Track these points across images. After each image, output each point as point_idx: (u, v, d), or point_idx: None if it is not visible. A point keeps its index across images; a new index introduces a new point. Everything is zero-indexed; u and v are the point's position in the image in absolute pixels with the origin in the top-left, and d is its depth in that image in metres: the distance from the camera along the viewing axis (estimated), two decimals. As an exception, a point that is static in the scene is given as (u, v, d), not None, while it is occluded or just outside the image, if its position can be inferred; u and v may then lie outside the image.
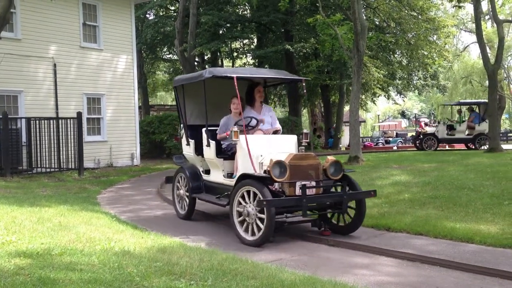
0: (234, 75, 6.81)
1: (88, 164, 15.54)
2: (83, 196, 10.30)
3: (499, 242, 5.77)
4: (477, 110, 22.49)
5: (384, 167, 12.80)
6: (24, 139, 13.93)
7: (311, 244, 6.32)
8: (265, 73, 7.91)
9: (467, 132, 21.87)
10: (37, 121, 14.08)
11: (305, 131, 6.51)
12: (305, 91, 8.16)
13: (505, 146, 21.09)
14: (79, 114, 14.13)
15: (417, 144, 23.08)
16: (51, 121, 14.31)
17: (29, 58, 15.18)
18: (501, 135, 29.33)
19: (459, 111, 23.24)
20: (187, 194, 7.84)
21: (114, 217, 7.75)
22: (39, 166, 13.97)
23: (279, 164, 6.07)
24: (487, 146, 21.04)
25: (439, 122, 23.39)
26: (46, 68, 15.66)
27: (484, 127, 21.95)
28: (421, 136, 22.69)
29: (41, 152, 14.00)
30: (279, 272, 4.38)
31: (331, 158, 6.64)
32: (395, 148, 30.23)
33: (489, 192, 8.32)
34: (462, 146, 23.27)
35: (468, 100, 29.91)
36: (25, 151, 13.91)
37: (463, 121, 22.35)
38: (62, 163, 14.27)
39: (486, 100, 27.78)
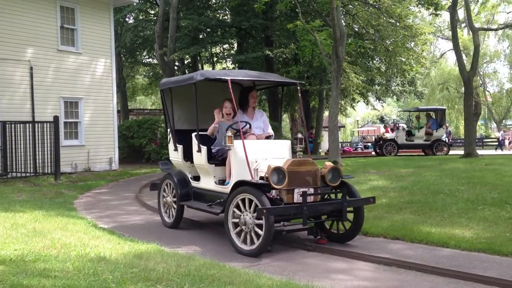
0: (228, 78, 6.52)
1: (65, 168, 15.32)
2: (59, 201, 10.15)
3: (474, 246, 5.88)
4: (434, 117, 22.84)
5: (362, 172, 12.91)
6: (-1, 143, 13.68)
7: (290, 249, 6.32)
8: (258, 75, 7.58)
9: (424, 138, 22.17)
10: (13, 125, 13.83)
11: (299, 135, 6.41)
12: (299, 95, 7.90)
13: (480, 152, 21.48)
14: (56, 118, 13.93)
15: (377, 150, 23.19)
16: (27, 125, 14.06)
17: (5, 61, 14.91)
18: (476, 140, 29.92)
19: (418, 117, 23.55)
20: (175, 201, 7.56)
21: (91, 223, 7.65)
22: (14, 170, 13.70)
23: (277, 170, 5.85)
24: (444, 152, 21.46)
25: (398, 128, 23.62)
26: (23, 72, 15.39)
27: (441, 133, 22.36)
28: (381, 142, 22.87)
29: (17, 157, 13.74)
30: (256, 278, 4.38)
31: (329, 164, 6.45)
32: (373, 153, 30.50)
33: (464, 197, 8.46)
34: (416, 152, 23.49)
35: (425, 107, 30.32)
36: (0, 155, 13.64)
37: (422, 127, 22.66)
38: (38, 168, 14.04)
39: (444, 107, 28.27)
